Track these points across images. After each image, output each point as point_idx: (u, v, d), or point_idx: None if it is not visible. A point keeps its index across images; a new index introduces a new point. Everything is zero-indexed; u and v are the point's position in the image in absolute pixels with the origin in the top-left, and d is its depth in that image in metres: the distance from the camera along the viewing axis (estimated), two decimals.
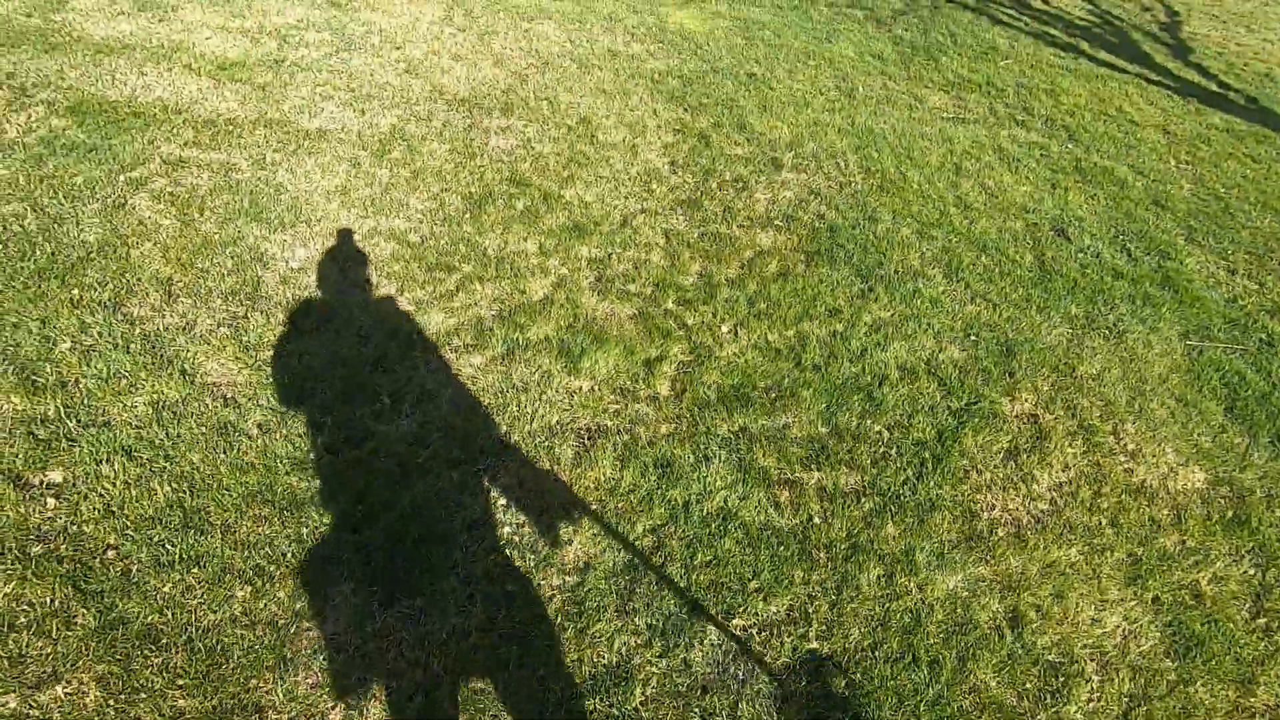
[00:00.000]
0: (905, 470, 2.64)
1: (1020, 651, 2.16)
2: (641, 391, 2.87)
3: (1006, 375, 3.11)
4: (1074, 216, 4.32)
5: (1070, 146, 5.15)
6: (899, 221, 4.03)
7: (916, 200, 4.25)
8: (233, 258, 3.21)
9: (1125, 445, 2.85)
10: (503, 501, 2.44)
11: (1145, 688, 2.11)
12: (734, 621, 2.16)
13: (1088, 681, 2.11)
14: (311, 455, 2.49)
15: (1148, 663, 2.17)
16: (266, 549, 2.22)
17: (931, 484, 2.59)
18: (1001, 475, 2.66)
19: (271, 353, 2.84)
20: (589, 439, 2.68)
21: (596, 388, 2.87)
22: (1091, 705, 2.06)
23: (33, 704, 1.83)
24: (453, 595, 2.18)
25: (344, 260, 3.30)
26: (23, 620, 1.97)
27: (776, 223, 3.89)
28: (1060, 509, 2.58)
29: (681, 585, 2.22)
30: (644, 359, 3.01)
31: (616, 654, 2.08)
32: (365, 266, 3.28)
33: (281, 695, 1.92)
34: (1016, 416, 2.92)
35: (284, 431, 2.55)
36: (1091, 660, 2.16)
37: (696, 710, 1.97)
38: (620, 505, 2.46)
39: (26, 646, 1.92)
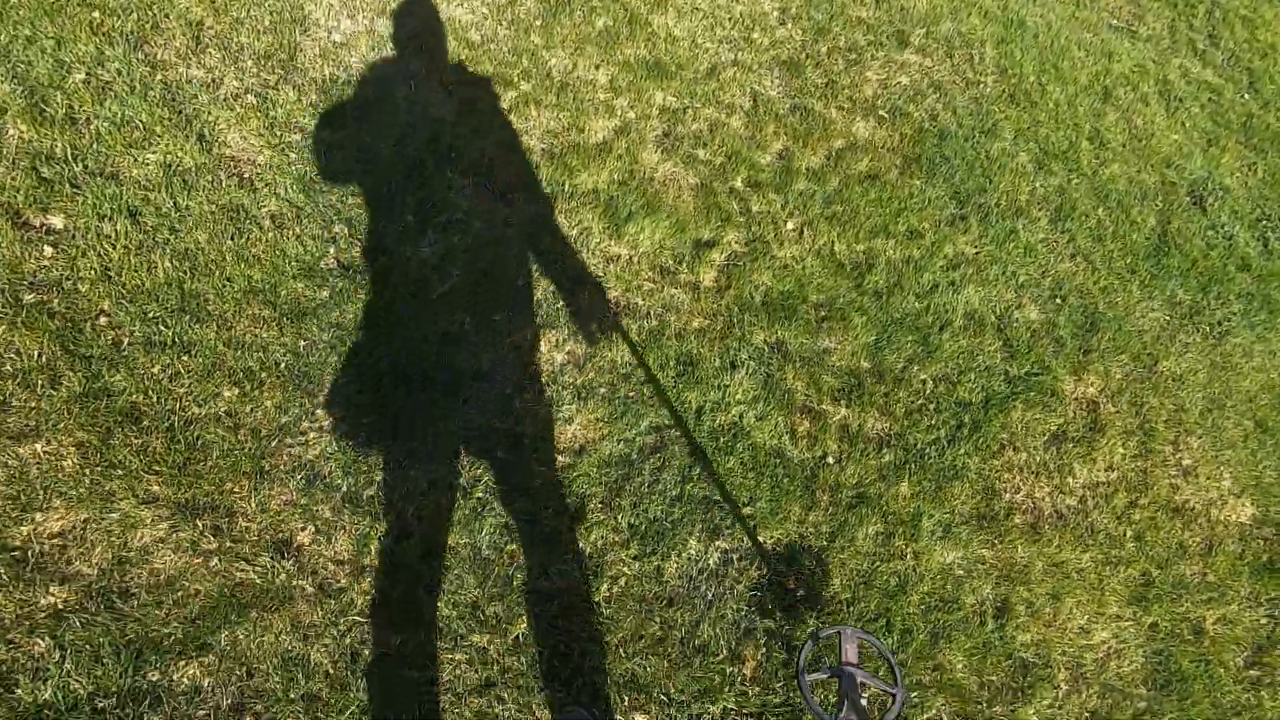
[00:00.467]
0: (939, 429, 2.41)
1: (997, 642, 2.06)
2: (683, 275, 2.58)
3: (1080, 352, 2.75)
4: (1220, 185, 3.65)
5: (1246, 96, 4.28)
6: (1020, 143, 3.43)
7: (1048, 122, 3.59)
8: (271, 14, 2.79)
9: (1181, 460, 2.57)
10: (513, 360, 2.27)
11: (1111, 709, 2.03)
12: (717, 542, 2.06)
13: (1055, 689, 2.03)
14: (322, 264, 2.29)
15: (1122, 685, 2.08)
16: (261, 354, 2.09)
17: (961, 450, 2.37)
18: (1038, 459, 2.43)
19: (298, 136, 2.54)
20: (617, 311, 2.44)
21: (636, 260, 2.57)
22: (1050, 712, 2.00)
23: (12, 455, 1.80)
24: (441, 445, 2.07)
25: (393, 45, 2.87)
26: (9, 369, 1.89)
27: (881, 113, 3.31)
28: (1088, 510, 2.37)
29: (674, 494, 2.10)
30: (695, 239, 2.67)
31: (592, 545, 2.01)
32: (415, 58, 2.85)
33: (254, 505, 1.87)
34: (1076, 400, 2.62)
35: (297, 230, 2.33)
36: (1066, 669, 2.07)
37: (658, 619, 1.92)
38: (630, 394, 2.28)
39: (10, 396, 1.86)
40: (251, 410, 2.00)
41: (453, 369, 2.20)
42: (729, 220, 2.75)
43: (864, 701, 1.61)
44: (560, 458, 2.13)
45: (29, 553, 1.71)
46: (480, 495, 2.02)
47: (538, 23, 3.12)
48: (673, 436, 2.22)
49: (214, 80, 2.58)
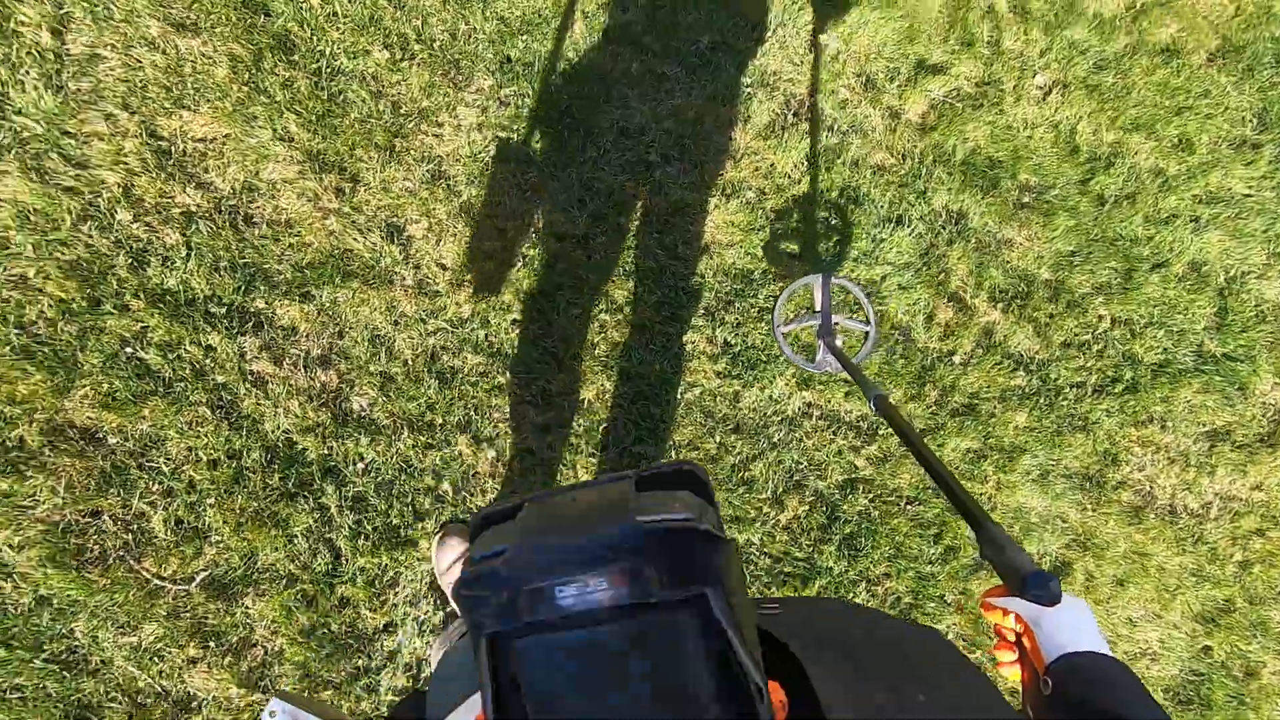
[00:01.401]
0: (1090, 375, 2.07)
1: None
2: (888, 97, 2.13)
3: None
4: None
5: None
6: None
7: None
8: None
9: None
10: (667, 128, 2.00)
11: None
12: (804, 393, 1.92)
13: None
14: None
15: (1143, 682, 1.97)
16: (419, 22, 1.89)
17: (1104, 406, 2.06)
18: (1183, 447, 2.09)
19: None
20: (793, 112, 2.08)
21: (843, 58, 2.13)
22: None
23: (171, 44, 1.75)
24: (565, 188, 1.92)
25: None
26: None
27: None
28: (1206, 517, 2.08)
29: (780, 336, 1.93)
30: (920, 58, 2.17)
31: (681, 344, 1.90)
32: None
33: (378, 180, 1.81)
34: (1263, 404, 2.19)
35: None
36: None
37: (717, 439, 1.86)
38: (772, 206, 2.01)
39: None
40: (397, 82, 1.86)
41: (599, 113, 1.97)
42: (970, 47, 2.20)
43: (839, 342, 1.70)
44: (682, 249, 1.95)
45: (173, 149, 1.73)
46: (575, 258, 1.90)
47: None
48: (800, 269, 1.99)
49: None
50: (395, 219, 1.81)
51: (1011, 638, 0.78)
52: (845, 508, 1.87)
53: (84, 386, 1.59)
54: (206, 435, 1.62)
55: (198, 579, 1.57)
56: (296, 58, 1.82)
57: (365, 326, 1.75)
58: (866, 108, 2.11)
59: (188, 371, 1.64)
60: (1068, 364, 2.07)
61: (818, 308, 1.77)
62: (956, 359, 2.02)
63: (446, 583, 1.62)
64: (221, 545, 1.59)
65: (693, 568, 0.37)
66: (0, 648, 1.47)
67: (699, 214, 1.97)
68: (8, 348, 1.57)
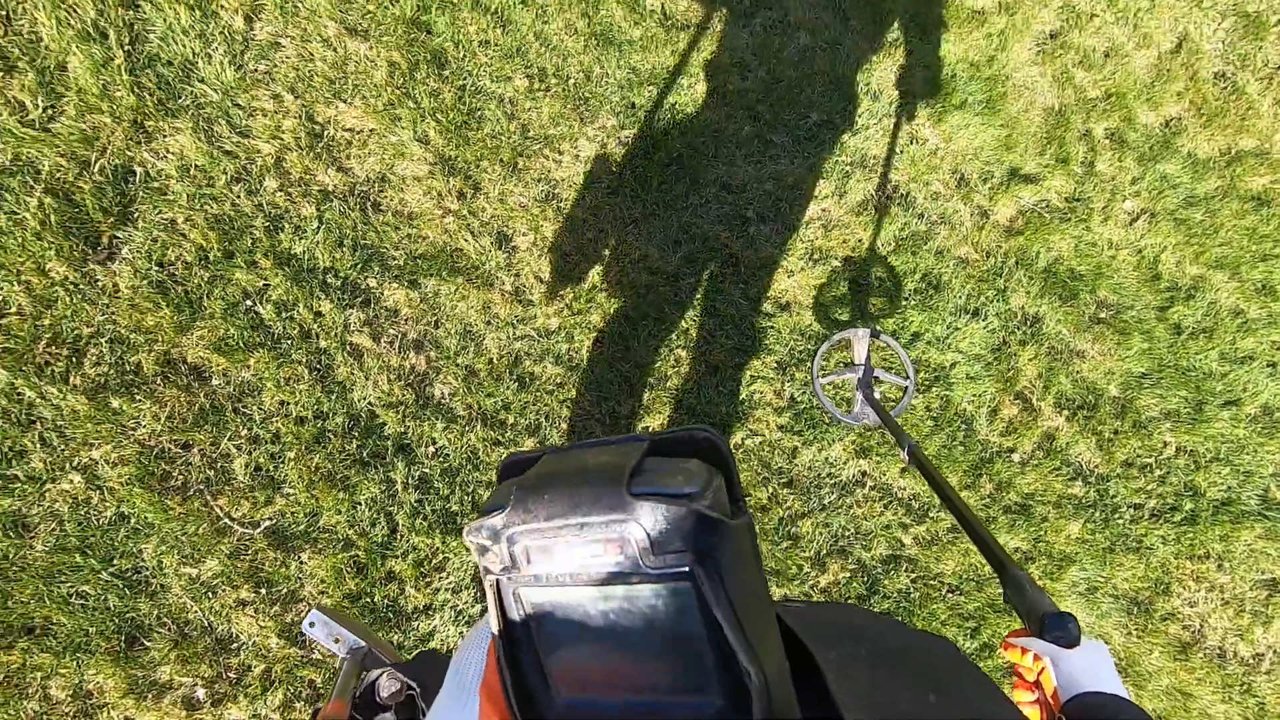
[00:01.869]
0: (1150, 499, 2.08)
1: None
2: (979, 196, 2.26)
3: None
4: None
5: None
6: None
7: None
8: None
9: None
10: (768, 188, 2.15)
11: None
12: (860, 461, 1.98)
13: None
14: (647, 2, 2.19)
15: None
16: (559, 60, 2.11)
17: (1159, 533, 2.05)
18: (1240, 591, 2.06)
19: None
20: (886, 194, 2.22)
21: (940, 154, 2.27)
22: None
23: (341, 44, 1.99)
24: (664, 228, 2.06)
25: None
26: None
27: None
28: (1257, 668, 2.02)
29: (846, 395, 2.00)
30: (1014, 166, 2.30)
31: (748, 392, 1.99)
32: None
33: (496, 191, 1.99)
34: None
35: None
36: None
37: (770, 489, 1.93)
38: (855, 277, 2.12)
39: None
40: (530, 108, 2.06)
41: (706, 166, 2.13)
42: (1064, 164, 2.33)
43: (877, 395, 1.68)
44: (764, 304, 2.07)
45: (324, 133, 1.94)
46: (663, 292, 2.03)
47: None
48: (874, 344, 2.08)
49: None
50: (506, 229, 1.97)
51: (1031, 678, 0.79)
52: (886, 583, 1.90)
53: (202, 328, 1.75)
54: (300, 393, 1.75)
55: (263, 525, 1.67)
56: (447, 73, 2.04)
57: (460, 321, 1.89)
58: (957, 203, 2.24)
59: (295, 332, 1.79)
60: (1128, 483, 2.09)
61: (858, 360, 1.82)
62: (1016, 457, 2.06)
63: None
64: (291, 499, 1.70)
65: (684, 543, 0.36)
66: (76, 553, 1.58)
67: (784, 273, 2.09)
68: (145, 281, 1.74)
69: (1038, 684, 0.79)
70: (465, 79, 2.04)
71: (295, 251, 1.84)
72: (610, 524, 0.37)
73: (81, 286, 1.72)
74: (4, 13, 1.82)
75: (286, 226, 1.85)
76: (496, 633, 0.42)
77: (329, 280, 1.84)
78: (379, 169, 1.94)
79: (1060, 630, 0.75)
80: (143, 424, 1.66)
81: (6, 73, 1.79)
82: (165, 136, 1.84)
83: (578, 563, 0.38)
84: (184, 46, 1.89)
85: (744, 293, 2.06)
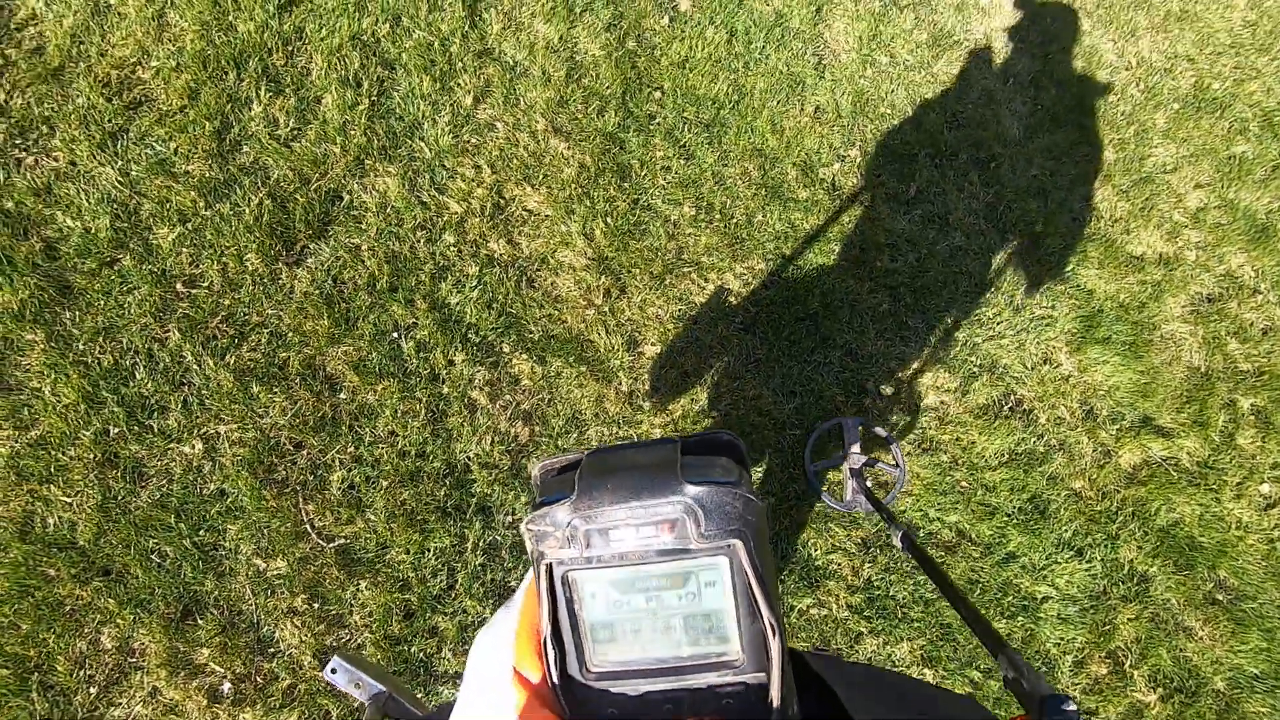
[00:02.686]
0: None
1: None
2: (1104, 435, 2.27)
3: None
4: None
5: None
6: None
7: None
8: None
9: None
10: (888, 367, 2.25)
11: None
12: (926, 670, 1.92)
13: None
14: (821, 170, 2.43)
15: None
16: (728, 199, 2.34)
17: None
18: None
19: (885, 59, 2.65)
20: (1009, 406, 2.26)
21: (1072, 382, 2.32)
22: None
23: (545, 139, 2.30)
24: (784, 376, 2.18)
25: (1019, 36, 2.79)
26: (585, 82, 2.38)
27: None
28: None
29: (922, 594, 1.98)
30: (1147, 414, 2.31)
31: (832, 561, 2.00)
32: (1029, 59, 2.75)
33: (639, 297, 2.18)
34: None
35: (824, 131, 2.49)
36: None
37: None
38: (960, 479, 2.14)
39: (570, 100, 2.35)
40: (690, 234, 2.29)
41: (838, 330, 2.26)
42: (1202, 428, 2.32)
43: (869, 483, 1.68)
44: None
45: (506, 208, 2.21)
46: (767, 435, 2.11)
47: (1174, 106, 2.78)
48: (967, 551, 2.06)
49: None
50: (638, 334, 2.14)
51: None
52: None
53: (349, 345, 1.96)
54: (412, 429, 1.91)
55: (337, 541, 1.79)
56: (626, 185, 2.31)
57: (572, 405, 2.03)
58: (1081, 435, 2.25)
59: (426, 372, 1.98)
60: None
61: (848, 449, 1.89)
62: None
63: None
64: (370, 525, 1.81)
65: (728, 521, 0.46)
66: (173, 514, 1.73)
67: (884, 459, 2.14)
68: (318, 290, 1.99)
69: None
70: (640, 194, 2.30)
71: (450, 301, 2.06)
72: (671, 504, 0.46)
73: (265, 281, 1.98)
74: (290, 49, 2.24)
75: (449, 278, 2.09)
76: (546, 615, 0.48)
77: (470, 335, 2.04)
78: (542, 250, 2.18)
79: (1058, 714, 0.76)
80: (270, 414, 1.85)
81: (276, 93, 2.18)
82: (377, 176, 2.15)
83: (634, 542, 0.46)
84: (417, 109, 2.24)
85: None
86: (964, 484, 2.16)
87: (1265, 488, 2.32)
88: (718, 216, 2.33)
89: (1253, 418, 2.39)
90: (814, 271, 2.32)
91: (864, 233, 2.39)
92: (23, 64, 2.09)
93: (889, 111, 2.57)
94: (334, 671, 0.96)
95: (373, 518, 1.82)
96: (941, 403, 2.24)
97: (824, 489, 2.04)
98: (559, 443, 1.99)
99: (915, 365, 2.26)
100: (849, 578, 2.00)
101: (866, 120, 2.54)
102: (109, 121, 2.06)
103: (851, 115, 2.53)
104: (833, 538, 2.03)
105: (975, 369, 2.29)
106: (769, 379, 2.17)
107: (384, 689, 0.97)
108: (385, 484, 1.85)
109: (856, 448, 1.91)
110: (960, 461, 2.18)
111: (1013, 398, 2.29)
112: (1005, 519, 2.13)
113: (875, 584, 1.99)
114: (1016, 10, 2.82)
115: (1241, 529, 2.24)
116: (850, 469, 1.90)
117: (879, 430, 1.95)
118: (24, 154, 2.02)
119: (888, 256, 2.37)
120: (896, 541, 1.41)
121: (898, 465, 1.95)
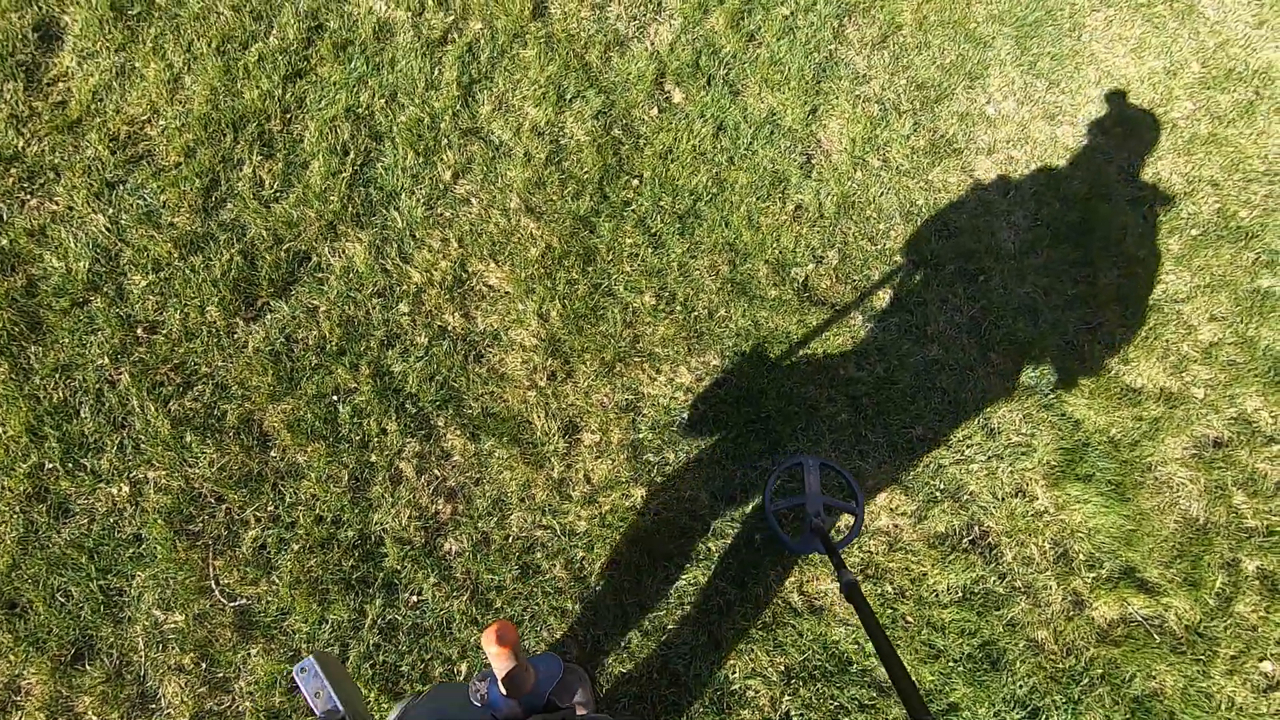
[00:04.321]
0: None
1: None
2: (1076, 580, 2.20)
3: None
4: None
5: None
6: None
7: None
8: (956, 56, 3.01)
9: None
10: (839, 482, 2.27)
11: None
12: None
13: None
14: (794, 273, 2.53)
15: None
16: (690, 292, 2.46)
17: None
18: None
19: (877, 163, 2.77)
20: (971, 538, 2.23)
21: (1045, 519, 2.28)
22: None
23: (517, 216, 2.48)
24: (725, 478, 2.22)
25: (1035, 162, 2.87)
26: (565, 183, 2.58)
27: None
28: None
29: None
30: (1131, 565, 2.24)
31: (749, 687, 1.99)
32: (1026, 201, 2.82)
33: (584, 383, 2.29)
34: None
35: (801, 231, 2.60)
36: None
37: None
38: (905, 612, 2.10)
39: (547, 180, 2.54)
40: (648, 323, 2.40)
41: (791, 435, 2.30)
42: (1195, 587, 2.22)
43: (823, 523, 1.68)
44: (797, 597, 2.11)
45: (467, 282, 2.38)
46: (693, 535, 2.14)
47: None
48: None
49: (864, 74, 2.93)
50: (578, 421, 2.24)
51: None
52: None
53: (288, 404, 2.13)
54: (332, 494, 2.04)
55: (238, 601, 1.90)
56: (590, 269, 2.45)
57: (499, 488, 2.12)
58: (1050, 579, 2.20)
59: (357, 438, 2.12)
60: None
61: (807, 490, 1.90)
62: None
63: None
64: (274, 588, 1.92)
65: None
66: (85, 554, 1.89)
67: (831, 575, 2.13)
68: (269, 348, 2.18)
69: None
70: (604, 279, 2.44)
71: (394, 369, 2.22)
72: None
73: (221, 333, 2.19)
74: (289, 116, 2.51)
75: (398, 346, 2.25)
76: None
77: (407, 405, 2.18)
78: (496, 326, 2.33)
79: None
80: (200, 464, 2.02)
81: (267, 156, 2.44)
82: (347, 241, 2.36)
83: None
84: (397, 180, 2.47)
85: (779, 576, 2.13)
86: (909, 618, 2.12)
87: (1267, 665, 2.18)
88: (679, 308, 2.44)
89: (1257, 582, 2.27)
90: (773, 373, 2.38)
91: (831, 338, 2.45)
92: (46, 115, 2.42)
93: (875, 215, 2.66)
94: (303, 670, 0.93)
95: (277, 581, 1.93)
96: (895, 526, 2.23)
97: (782, 529, 2.04)
98: (479, 525, 2.07)
99: (870, 483, 2.27)
100: (766, 709, 1.97)
101: (850, 222, 2.64)
102: (109, 172, 2.35)
103: (835, 216, 2.64)
104: (754, 661, 2.02)
105: (937, 493, 2.28)
106: (709, 481, 2.22)
107: (340, 710, 0.94)
108: (296, 547, 1.97)
109: (816, 487, 1.94)
110: (907, 594, 2.15)
111: (976, 529, 2.26)
112: (951, 664, 2.08)
113: (793, 718, 1.95)
114: (1028, 123, 2.91)
115: (1233, 710, 2.11)
116: (809, 509, 1.92)
117: (841, 470, 1.98)
118: (29, 196, 2.31)
119: (853, 364, 2.42)
120: (840, 589, 1.44)
121: (857, 505, 1.96)
